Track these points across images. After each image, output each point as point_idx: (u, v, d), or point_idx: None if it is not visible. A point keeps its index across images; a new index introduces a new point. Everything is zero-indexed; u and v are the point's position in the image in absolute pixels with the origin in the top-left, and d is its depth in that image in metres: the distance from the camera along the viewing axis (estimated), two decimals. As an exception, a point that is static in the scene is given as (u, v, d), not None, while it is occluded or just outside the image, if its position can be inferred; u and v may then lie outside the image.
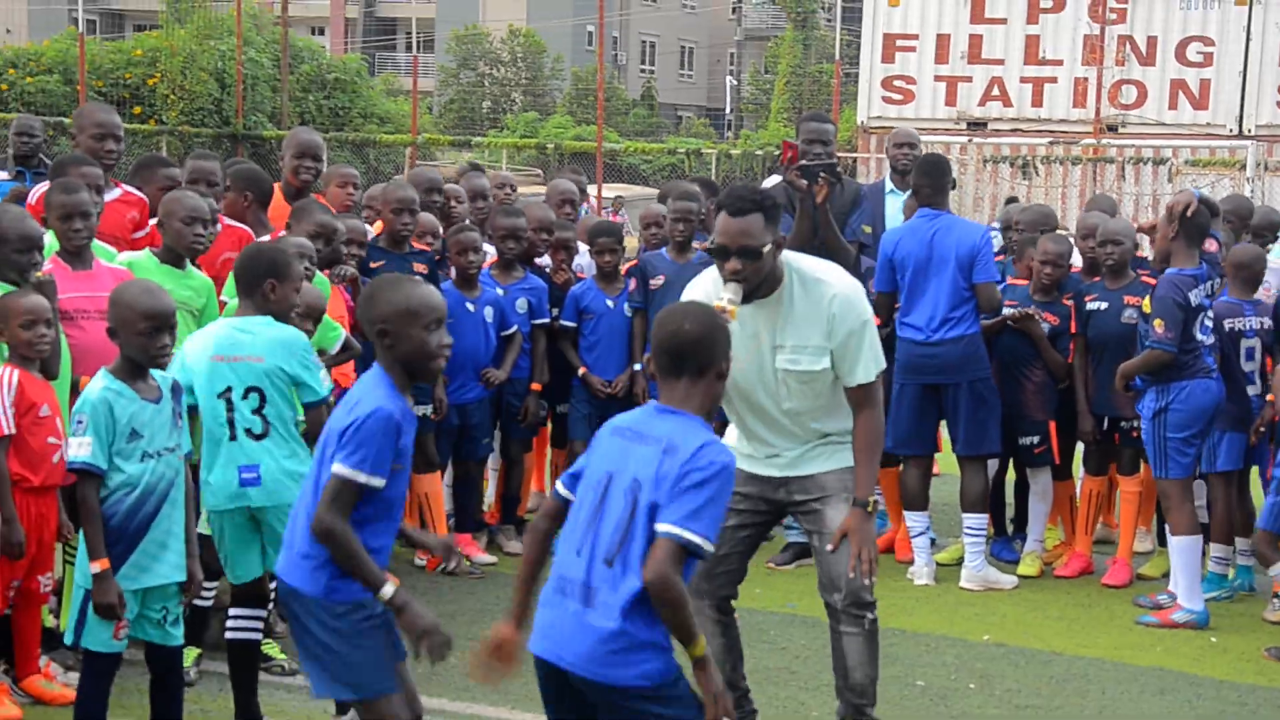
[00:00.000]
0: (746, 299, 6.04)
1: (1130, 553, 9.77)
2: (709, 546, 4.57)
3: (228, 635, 6.53)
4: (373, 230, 9.46)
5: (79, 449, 5.63)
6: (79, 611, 5.74)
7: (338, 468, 4.88)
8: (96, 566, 5.59)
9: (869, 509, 6.16)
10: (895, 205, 10.80)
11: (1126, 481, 9.66)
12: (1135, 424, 9.32)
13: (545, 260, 10.21)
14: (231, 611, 6.45)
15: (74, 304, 6.92)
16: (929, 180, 9.57)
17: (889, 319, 9.29)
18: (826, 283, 6.25)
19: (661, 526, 4.52)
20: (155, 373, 5.84)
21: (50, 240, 7.60)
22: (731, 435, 6.51)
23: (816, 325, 6.18)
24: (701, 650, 4.60)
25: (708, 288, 6.20)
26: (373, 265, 8.92)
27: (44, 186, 8.82)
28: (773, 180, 11.30)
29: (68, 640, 5.99)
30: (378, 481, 4.93)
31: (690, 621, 4.58)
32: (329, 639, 4.97)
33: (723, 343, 4.88)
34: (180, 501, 5.83)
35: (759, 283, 6.08)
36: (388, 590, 4.90)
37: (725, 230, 6.03)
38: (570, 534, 4.79)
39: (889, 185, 11.08)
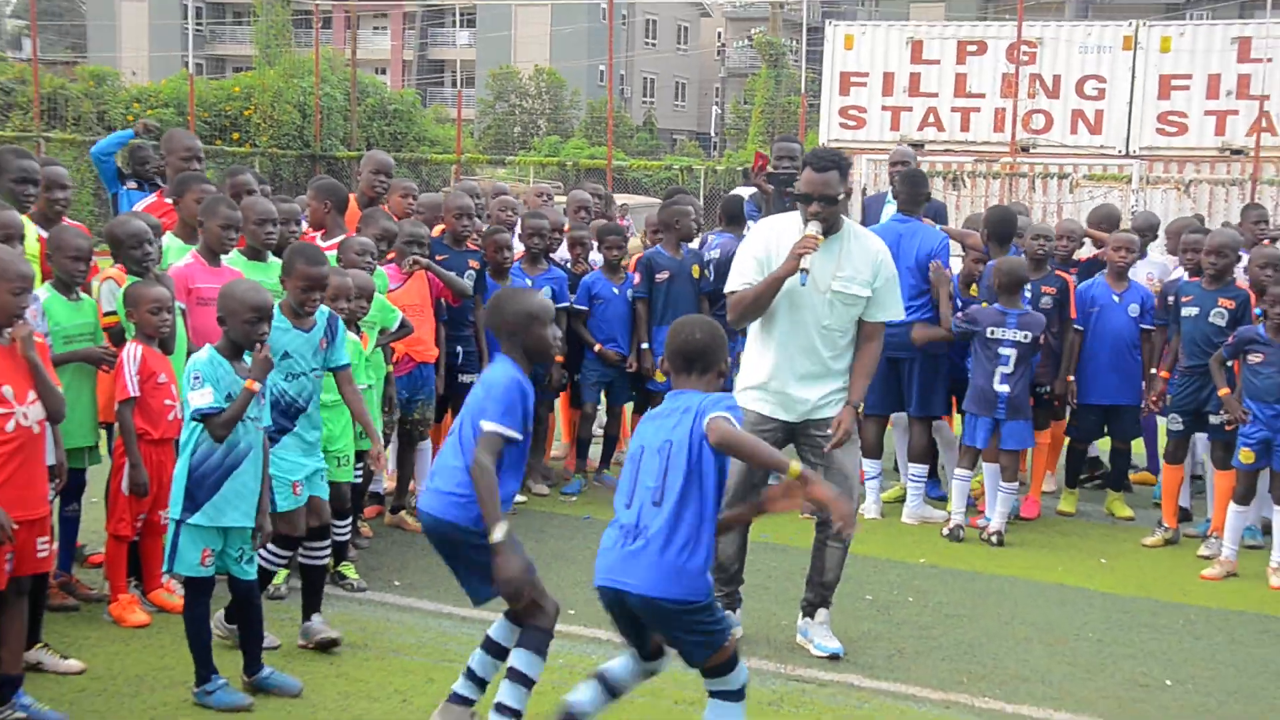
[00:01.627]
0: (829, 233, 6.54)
1: (1040, 492, 9.88)
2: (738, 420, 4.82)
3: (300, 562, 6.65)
4: (434, 232, 9.46)
5: (201, 399, 5.61)
6: (170, 543, 5.76)
7: (488, 425, 5.04)
8: None
9: (858, 410, 6.57)
10: (890, 211, 10.80)
11: (1039, 435, 9.71)
12: (1047, 389, 9.47)
13: (563, 254, 10.29)
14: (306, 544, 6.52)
15: (208, 291, 6.90)
16: (906, 191, 9.66)
17: None
18: (875, 239, 6.85)
19: (707, 419, 4.73)
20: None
21: (171, 241, 7.67)
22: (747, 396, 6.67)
23: (867, 266, 6.64)
24: (797, 470, 4.78)
25: (790, 228, 6.62)
26: (438, 258, 8.97)
27: (150, 199, 8.87)
28: (746, 190, 11.30)
29: (165, 569, 6.05)
30: (516, 435, 5.10)
31: (764, 453, 4.89)
32: (481, 556, 5.08)
33: (723, 349, 5.08)
34: (258, 463, 5.82)
35: (831, 226, 6.55)
36: (498, 533, 5.00)
37: (810, 182, 6.50)
38: (620, 495, 4.94)
39: (889, 196, 11.02)
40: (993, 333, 8.98)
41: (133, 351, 6.54)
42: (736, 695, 4.97)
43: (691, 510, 4.75)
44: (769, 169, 10.40)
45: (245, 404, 5.68)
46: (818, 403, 6.63)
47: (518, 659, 5.19)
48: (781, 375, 6.63)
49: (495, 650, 5.37)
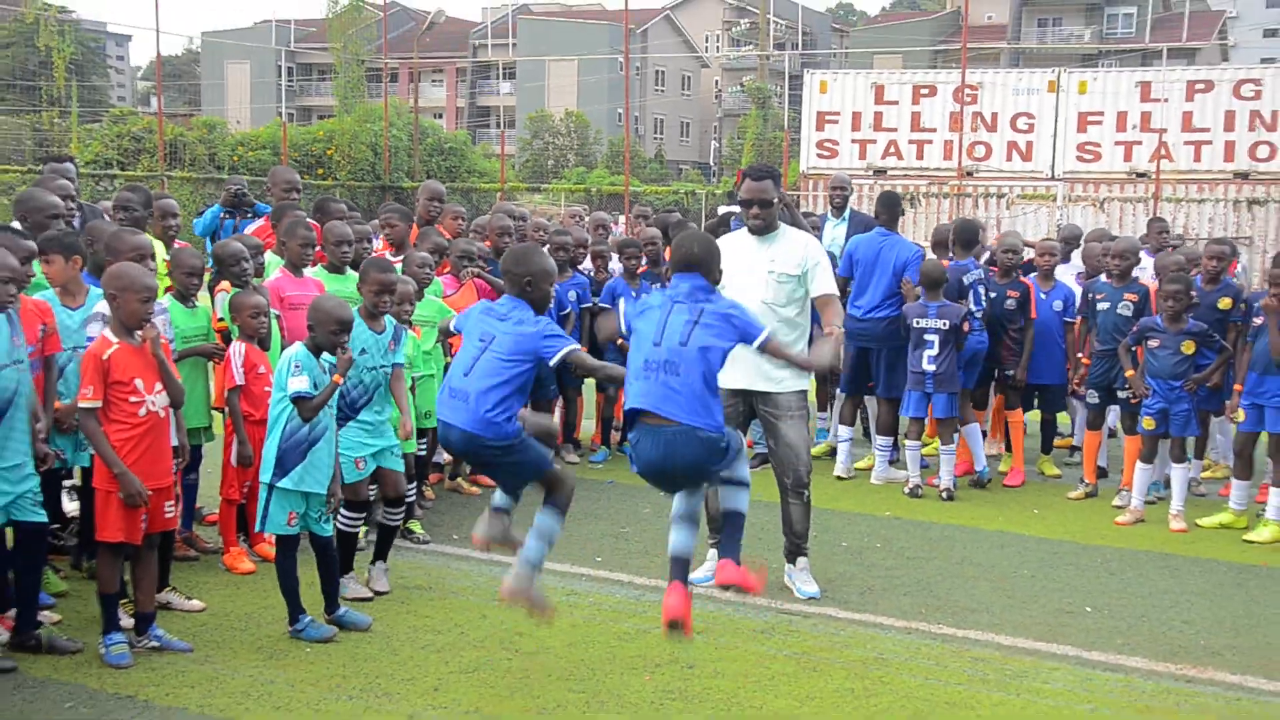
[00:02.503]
0: (757, 235, 6.57)
1: (1021, 463, 9.68)
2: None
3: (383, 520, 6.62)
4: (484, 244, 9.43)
5: (299, 384, 5.62)
6: (263, 507, 5.77)
7: (565, 351, 5.15)
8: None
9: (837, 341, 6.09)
10: (830, 228, 10.80)
11: (1012, 415, 9.69)
12: (1011, 374, 9.45)
13: (586, 265, 10.27)
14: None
15: (296, 299, 7.01)
16: (885, 210, 9.60)
17: (843, 296, 9.36)
18: (804, 237, 6.75)
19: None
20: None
21: (271, 258, 7.68)
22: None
23: (795, 254, 6.55)
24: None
25: (736, 242, 6.61)
26: (488, 269, 8.96)
27: (259, 223, 8.87)
28: (731, 208, 11.25)
29: (257, 528, 6.03)
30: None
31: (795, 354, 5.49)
32: (518, 455, 5.12)
33: (717, 261, 5.14)
34: (332, 442, 5.83)
35: (770, 223, 6.55)
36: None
37: (749, 189, 6.53)
38: (644, 341, 5.00)
39: (829, 215, 11.09)
40: (918, 323, 8.97)
41: (237, 348, 6.57)
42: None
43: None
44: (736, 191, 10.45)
45: (331, 393, 5.72)
46: (770, 374, 6.44)
47: (544, 518, 5.24)
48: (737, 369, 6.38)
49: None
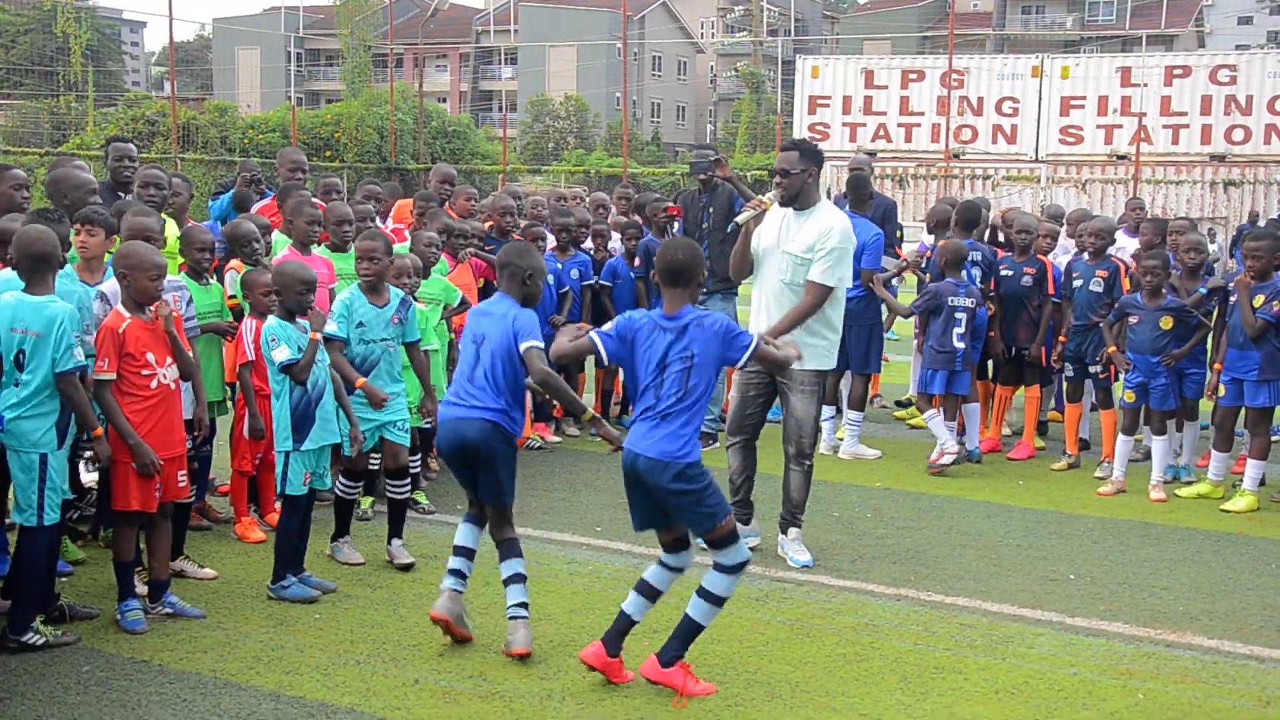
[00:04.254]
0: (789, 205, 6.48)
1: (1032, 438, 9.57)
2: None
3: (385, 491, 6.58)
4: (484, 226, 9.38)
5: (282, 354, 5.66)
6: (281, 472, 5.80)
7: (530, 344, 5.07)
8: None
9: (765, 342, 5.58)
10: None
11: (1029, 390, 9.57)
12: (1028, 350, 9.31)
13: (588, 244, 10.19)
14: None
15: None
16: (853, 193, 9.64)
17: None
18: (836, 219, 6.49)
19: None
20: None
21: (279, 237, 7.61)
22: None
23: (813, 236, 6.40)
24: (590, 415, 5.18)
25: (776, 210, 6.55)
26: (486, 248, 8.90)
27: (265, 203, 8.79)
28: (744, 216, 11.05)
29: (278, 490, 5.98)
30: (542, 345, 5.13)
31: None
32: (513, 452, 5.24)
33: (700, 266, 4.94)
34: (330, 391, 5.89)
35: (795, 194, 6.44)
36: (590, 413, 5.29)
37: (778, 159, 6.57)
38: (645, 393, 4.81)
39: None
40: (952, 301, 8.84)
41: (249, 325, 6.50)
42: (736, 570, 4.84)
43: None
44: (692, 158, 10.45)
45: (315, 351, 5.73)
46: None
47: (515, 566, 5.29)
48: (761, 322, 6.54)
49: (468, 554, 5.41)
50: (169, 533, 5.65)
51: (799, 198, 6.46)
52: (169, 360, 5.42)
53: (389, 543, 6.43)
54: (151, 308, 5.39)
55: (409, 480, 6.56)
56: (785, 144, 6.62)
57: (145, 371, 5.33)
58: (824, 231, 6.41)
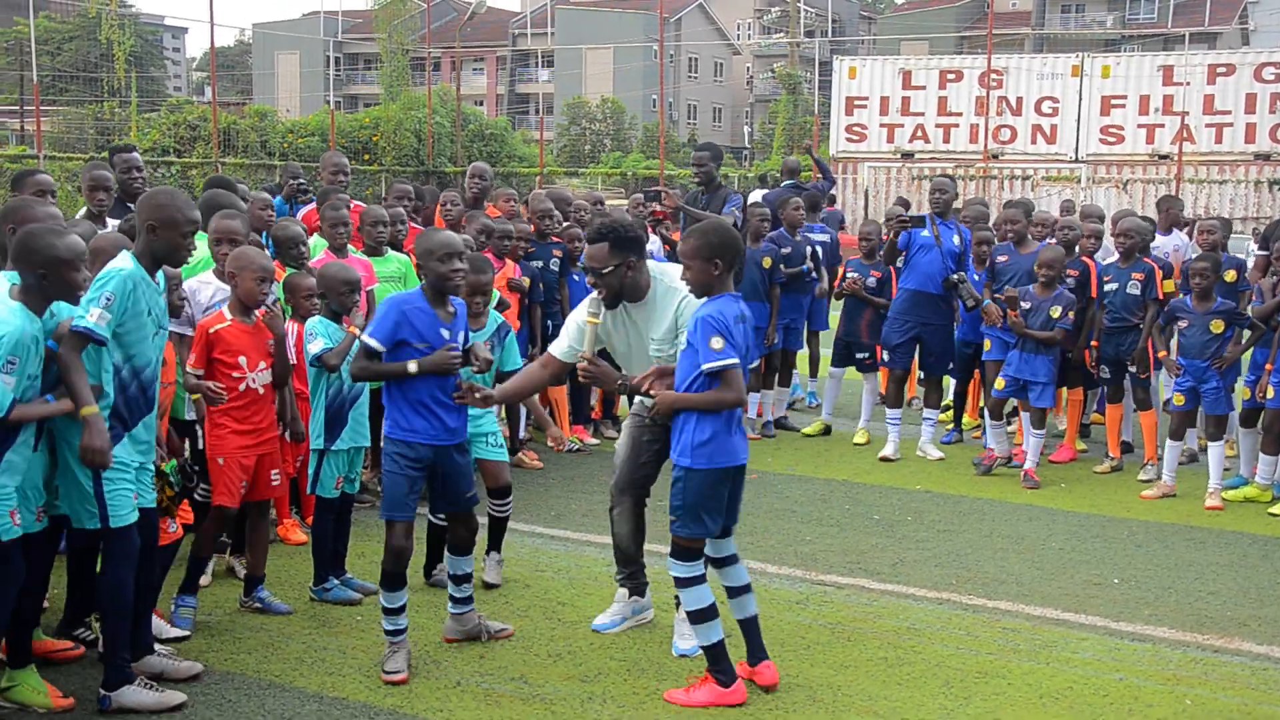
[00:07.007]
0: (614, 304, 5.06)
1: (1074, 440, 9.51)
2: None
3: None
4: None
5: (317, 346, 5.68)
6: (314, 472, 5.84)
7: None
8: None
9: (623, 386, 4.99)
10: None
11: (1072, 393, 9.51)
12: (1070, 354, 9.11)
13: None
14: None
15: None
16: (943, 209, 9.34)
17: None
18: (677, 290, 5.04)
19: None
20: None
21: (317, 240, 7.64)
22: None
23: (669, 317, 5.05)
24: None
25: (583, 306, 5.16)
26: (529, 249, 8.94)
27: (308, 209, 8.84)
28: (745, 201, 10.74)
29: (309, 490, 6.01)
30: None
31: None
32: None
33: (737, 249, 4.73)
34: (366, 395, 5.92)
35: (618, 291, 5.02)
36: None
37: (585, 253, 5.13)
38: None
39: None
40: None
41: (291, 329, 6.51)
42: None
43: None
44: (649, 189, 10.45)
45: (350, 343, 5.66)
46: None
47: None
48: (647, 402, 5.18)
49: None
50: (266, 529, 5.82)
51: (625, 292, 5.03)
52: (261, 365, 5.55)
53: (485, 555, 6.20)
54: (258, 311, 5.54)
55: (510, 499, 6.17)
56: (590, 233, 5.08)
57: (235, 374, 5.48)
58: (675, 315, 5.04)
